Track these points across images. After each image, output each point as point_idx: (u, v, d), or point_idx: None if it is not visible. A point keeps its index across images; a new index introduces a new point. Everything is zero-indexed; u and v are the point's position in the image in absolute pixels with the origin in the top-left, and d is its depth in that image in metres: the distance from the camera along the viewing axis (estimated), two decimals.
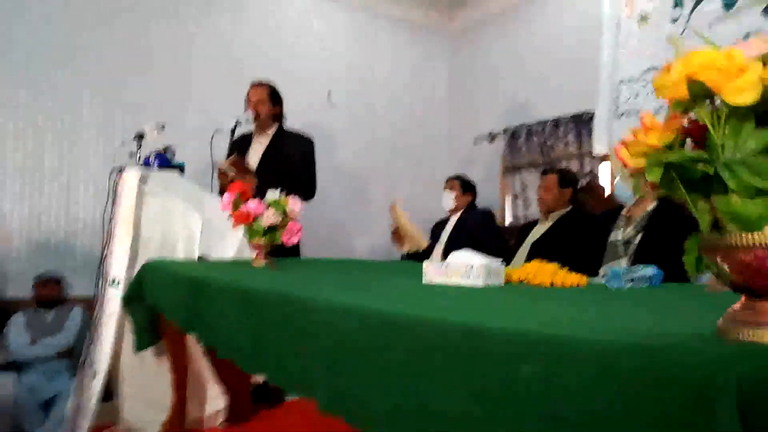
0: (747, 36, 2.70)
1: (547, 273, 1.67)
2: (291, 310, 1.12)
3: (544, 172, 3.19)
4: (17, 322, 3.72)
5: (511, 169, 4.80)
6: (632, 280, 1.60)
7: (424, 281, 1.64)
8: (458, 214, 3.48)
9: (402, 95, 5.45)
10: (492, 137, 5.01)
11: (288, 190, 2.50)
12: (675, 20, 3.17)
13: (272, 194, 2.29)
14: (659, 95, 0.61)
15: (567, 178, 3.09)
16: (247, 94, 3.23)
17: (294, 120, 3.49)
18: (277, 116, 3.25)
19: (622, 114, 3.90)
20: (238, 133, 3.21)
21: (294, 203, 2.29)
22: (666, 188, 0.65)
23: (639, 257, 2.39)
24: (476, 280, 1.56)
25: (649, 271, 1.62)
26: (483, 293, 1.36)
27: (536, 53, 4.75)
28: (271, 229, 2.27)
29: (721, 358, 0.50)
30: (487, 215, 3.39)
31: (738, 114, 0.59)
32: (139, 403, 2.45)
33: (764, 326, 0.59)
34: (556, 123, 4.37)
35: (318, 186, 3.32)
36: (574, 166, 4.11)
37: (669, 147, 0.64)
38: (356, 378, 0.90)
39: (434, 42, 5.68)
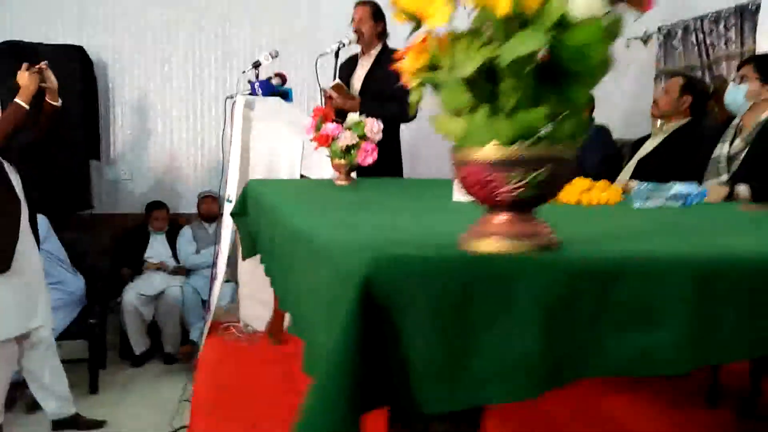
0: None
1: (575, 190, 1.64)
2: (280, 233, 1.29)
3: (673, 75, 2.93)
4: (185, 234, 4.48)
5: (666, 74, 4.36)
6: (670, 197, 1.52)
7: (453, 199, 1.73)
8: None
9: None
10: (646, 38, 4.56)
11: (389, 111, 2.66)
12: None
13: (353, 117, 2.47)
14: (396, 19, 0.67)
15: (693, 84, 2.79)
16: (352, 14, 3.37)
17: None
18: (382, 34, 3.34)
19: None
20: (345, 55, 3.40)
21: (372, 124, 2.44)
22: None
23: (743, 173, 2.17)
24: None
25: (684, 189, 1.52)
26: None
27: None
28: (350, 150, 2.46)
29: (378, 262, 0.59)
30: (601, 131, 3.21)
31: (463, 36, 0.64)
32: (254, 304, 2.91)
33: (484, 236, 0.65)
34: (716, 17, 3.84)
35: None
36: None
37: (432, 67, 0.69)
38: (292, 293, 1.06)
39: None
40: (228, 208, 2.87)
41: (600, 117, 3.71)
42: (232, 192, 2.87)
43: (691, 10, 4.12)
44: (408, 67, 0.69)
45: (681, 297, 0.62)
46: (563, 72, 0.61)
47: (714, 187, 2.14)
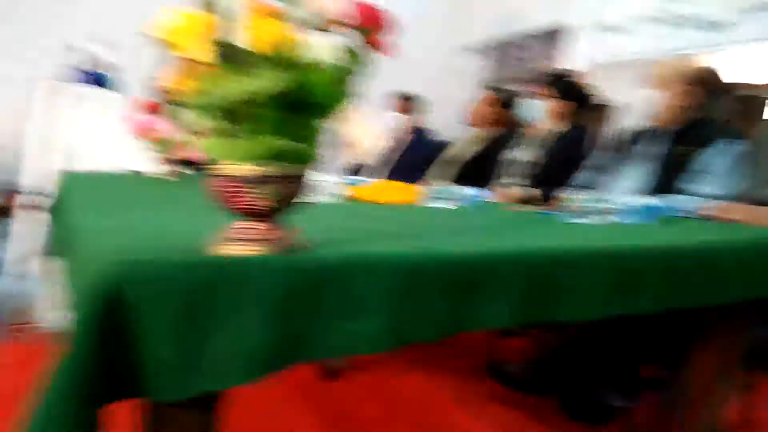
0: None
1: (378, 191, 1.84)
2: (66, 231, 1.30)
3: (487, 88, 3.30)
4: None
5: (492, 83, 4.82)
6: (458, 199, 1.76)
7: None
8: (402, 134, 3.62)
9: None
10: (480, 49, 5.01)
11: None
12: None
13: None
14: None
15: (503, 98, 3.16)
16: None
17: None
18: None
19: (606, 27, 3.85)
20: None
21: None
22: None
23: (535, 176, 2.54)
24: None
25: (469, 191, 1.77)
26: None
27: None
28: (173, 143, 2.47)
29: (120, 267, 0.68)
30: (425, 134, 3.53)
31: (222, 65, 0.75)
32: (50, 304, 2.80)
33: (230, 241, 0.77)
34: (532, 37, 4.34)
35: None
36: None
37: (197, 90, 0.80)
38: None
39: None
40: (23, 199, 2.74)
41: (437, 119, 4.06)
42: (29, 182, 2.74)
43: (516, 27, 4.61)
44: (176, 88, 0.80)
45: (388, 289, 0.78)
46: (302, 104, 0.75)
47: (507, 189, 2.48)
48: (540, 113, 2.65)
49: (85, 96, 2.84)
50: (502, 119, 3.13)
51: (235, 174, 0.74)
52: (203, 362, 0.68)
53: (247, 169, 0.74)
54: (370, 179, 2.38)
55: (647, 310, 1.06)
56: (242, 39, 0.73)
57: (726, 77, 2.26)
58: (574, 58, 4.03)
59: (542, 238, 1.18)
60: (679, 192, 1.96)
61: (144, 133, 2.43)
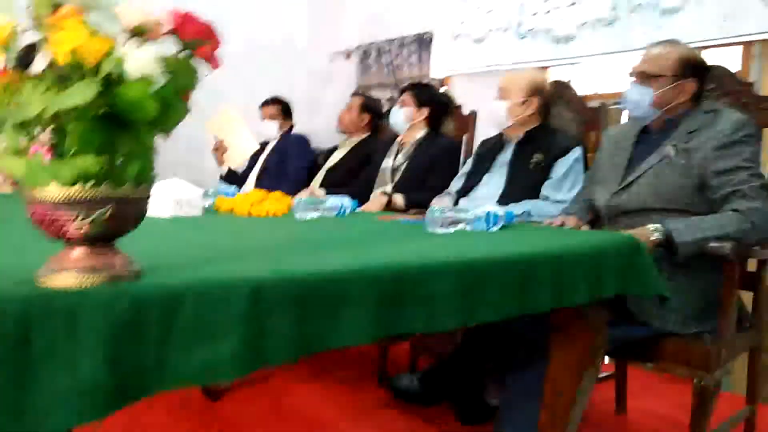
0: None
1: (246, 203, 1.77)
2: None
3: (355, 94, 3.31)
4: None
5: (362, 89, 4.84)
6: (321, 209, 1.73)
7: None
8: (278, 140, 3.54)
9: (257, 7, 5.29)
10: (347, 54, 5.01)
11: None
12: None
13: None
14: None
15: (369, 105, 3.19)
16: None
17: None
18: None
19: (465, 37, 3.98)
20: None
21: None
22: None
23: (403, 183, 2.58)
24: (165, 212, 1.66)
25: (337, 201, 1.76)
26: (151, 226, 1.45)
27: None
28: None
29: None
30: (301, 141, 3.49)
31: (30, 79, 0.67)
32: None
33: (58, 271, 0.69)
34: (402, 42, 4.42)
35: None
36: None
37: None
38: None
39: None
40: None
41: (309, 125, 4.02)
42: None
43: (383, 32, 4.66)
44: None
45: (236, 313, 0.75)
46: (123, 120, 0.69)
47: (377, 196, 2.50)
48: (405, 120, 2.70)
49: None
50: (370, 126, 3.16)
51: (52, 198, 0.67)
52: (31, 405, 0.62)
53: (64, 192, 0.67)
54: (239, 189, 2.30)
55: (494, 319, 1.08)
56: (48, 50, 0.66)
57: (575, 88, 2.42)
58: (436, 66, 4.15)
59: (399, 250, 1.18)
60: (533, 198, 2.06)
61: None
